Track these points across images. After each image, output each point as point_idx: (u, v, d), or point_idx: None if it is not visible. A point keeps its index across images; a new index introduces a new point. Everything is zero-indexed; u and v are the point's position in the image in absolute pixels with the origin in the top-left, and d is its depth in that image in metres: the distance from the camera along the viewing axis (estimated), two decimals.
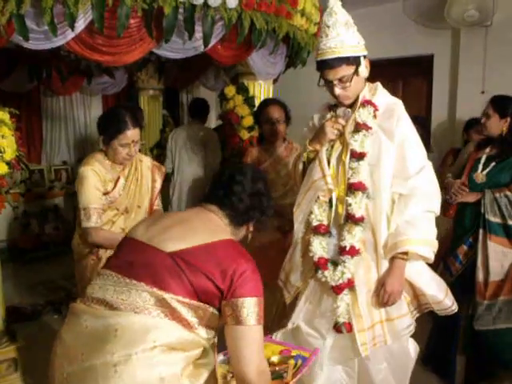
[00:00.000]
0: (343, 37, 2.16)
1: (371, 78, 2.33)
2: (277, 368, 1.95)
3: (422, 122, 4.80)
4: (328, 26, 2.19)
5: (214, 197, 1.86)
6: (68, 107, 6.35)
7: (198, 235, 1.68)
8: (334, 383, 2.36)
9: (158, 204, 3.01)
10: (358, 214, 2.21)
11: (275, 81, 4.37)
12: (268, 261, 3.15)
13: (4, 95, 5.65)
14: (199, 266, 1.60)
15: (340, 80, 2.20)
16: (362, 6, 5.55)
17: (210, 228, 1.74)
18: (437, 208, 2.26)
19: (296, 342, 2.38)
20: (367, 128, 2.24)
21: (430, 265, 2.34)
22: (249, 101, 4.12)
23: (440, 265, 3.17)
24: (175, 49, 3.15)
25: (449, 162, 4.43)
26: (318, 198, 2.33)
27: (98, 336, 1.55)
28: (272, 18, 3.26)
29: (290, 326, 2.43)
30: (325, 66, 2.20)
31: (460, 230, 3.16)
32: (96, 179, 2.70)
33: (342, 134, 2.31)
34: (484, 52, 4.84)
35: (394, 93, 2.42)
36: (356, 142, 2.24)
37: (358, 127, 2.25)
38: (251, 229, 1.93)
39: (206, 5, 2.89)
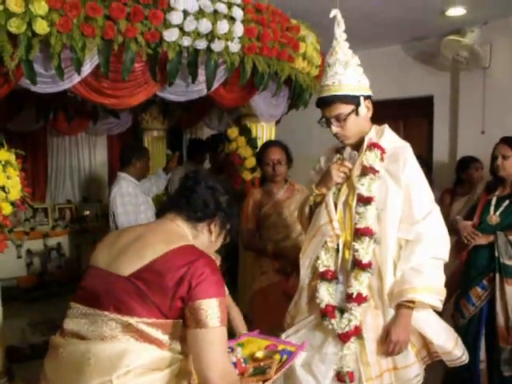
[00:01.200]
0: (341, 76, 2.19)
1: (373, 119, 2.37)
2: (261, 364, 1.90)
3: (424, 160, 4.87)
4: (329, 65, 2.24)
5: (170, 204, 1.88)
6: (73, 147, 6.43)
7: (154, 249, 1.64)
8: None
9: None
10: (365, 260, 2.17)
11: (278, 122, 4.44)
12: (269, 305, 3.19)
13: (11, 134, 5.74)
14: (157, 282, 1.57)
15: (337, 118, 2.21)
16: (362, 48, 5.67)
17: (166, 238, 1.70)
18: (445, 254, 2.21)
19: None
20: (374, 172, 2.20)
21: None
22: (251, 142, 4.17)
23: (448, 308, 3.13)
24: (179, 92, 3.22)
25: (447, 201, 4.41)
26: (326, 243, 2.29)
27: (74, 367, 1.56)
28: (274, 61, 3.34)
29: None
30: (321, 102, 2.25)
31: (473, 272, 3.11)
32: None
33: (348, 178, 2.28)
34: (483, 93, 4.91)
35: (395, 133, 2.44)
36: (363, 186, 2.20)
37: (365, 171, 2.22)
38: (215, 232, 1.83)
39: (209, 49, 2.98)
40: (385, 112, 5.75)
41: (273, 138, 4.30)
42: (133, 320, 1.56)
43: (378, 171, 2.21)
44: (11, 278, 5.98)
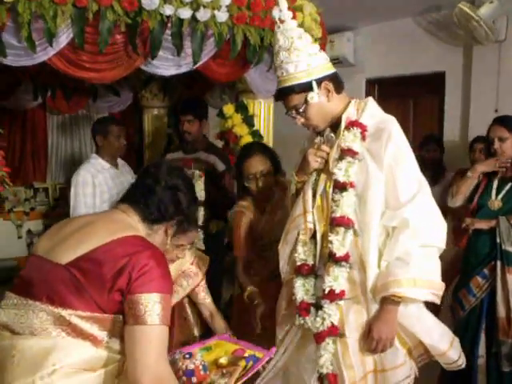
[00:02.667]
0: (286, 64, 1.99)
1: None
2: (224, 370, 1.75)
3: (437, 140, 4.61)
4: (275, 54, 2.06)
5: (126, 195, 1.73)
6: (74, 125, 6.28)
7: (97, 237, 1.52)
8: None
9: (205, 297, 2.54)
10: (339, 253, 1.95)
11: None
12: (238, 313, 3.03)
13: (8, 113, 5.63)
14: (95, 272, 1.45)
15: (296, 110, 2.02)
16: (371, 22, 5.43)
17: (112, 227, 1.57)
18: (437, 241, 1.96)
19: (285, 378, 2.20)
20: (353, 154, 1.97)
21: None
22: (248, 120, 3.97)
23: (446, 298, 2.93)
24: (165, 65, 3.03)
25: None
26: (298, 235, 2.10)
27: None
28: (267, 32, 3.12)
29: (279, 365, 2.22)
30: (277, 96, 2.10)
31: (473, 260, 2.92)
32: None
33: (327, 162, 2.08)
34: (497, 69, 4.63)
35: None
36: (340, 171, 1.98)
37: (343, 154, 1.99)
38: (171, 235, 1.70)
39: (194, 19, 2.78)
40: (393, 89, 5.58)
41: (271, 116, 4.09)
42: (65, 312, 1.43)
43: (357, 153, 1.98)
44: (11, 258, 5.91)
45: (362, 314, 2.01)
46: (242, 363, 1.77)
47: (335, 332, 1.98)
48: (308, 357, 2.10)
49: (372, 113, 2.06)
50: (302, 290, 2.09)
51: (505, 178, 2.92)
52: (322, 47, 3.79)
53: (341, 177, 1.98)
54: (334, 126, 2.10)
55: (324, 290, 1.99)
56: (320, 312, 2.00)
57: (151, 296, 1.43)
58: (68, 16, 2.51)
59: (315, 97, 1.99)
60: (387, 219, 1.95)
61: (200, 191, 3.53)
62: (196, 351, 1.87)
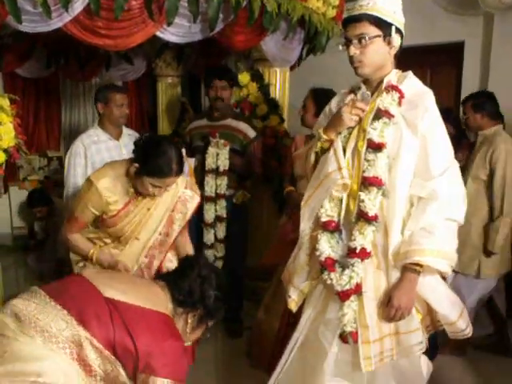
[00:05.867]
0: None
1: (398, 67, 2.11)
2: None
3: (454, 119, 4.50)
4: None
5: (166, 275, 1.93)
6: (87, 94, 6.26)
7: (139, 298, 1.65)
8: None
9: (184, 235, 2.72)
10: (371, 213, 1.97)
11: (293, 68, 4.17)
12: (275, 243, 3.35)
13: (22, 81, 5.62)
14: (129, 324, 1.55)
15: (359, 39, 1.96)
16: None
17: (152, 298, 1.71)
18: (460, 217, 2.00)
19: (303, 354, 2.22)
20: (389, 116, 1.97)
21: None
22: (263, 89, 3.93)
23: None
24: (180, 32, 3.00)
25: None
26: (331, 193, 2.08)
27: None
28: (284, 0, 3.06)
29: (296, 335, 2.24)
30: (347, 20, 2.03)
31: None
32: (98, 201, 2.40)
33: (360, 121, 2.06)
34: None
35: (421, 81, 2.20)
36: (375, 131, 1.97)
37: (379, 114, 1.99)
38: (191, 324, 1.81)
39: None
40: (411, 59, 5.42)
41: (287, 85, 4.05)
42: (84, 333, 1.50)
43: (393, 115, 1.98)
44: (25, 226, 5.99)
45: (379, 276, 2.04)
46: None
47: (359, 290, 2.01)
48: (328, 321, 2.11)
49: (411, 83, 2.06)
50: (327, 246, 2.09)
51: None
52: (339, 15, 3.73)
53: (376, 137, 1.98)
54: (370, 86, 2.09)
55: (354, 249, 2.00)
56: (347, 270, 2.01)
57: (164, 380, 1.54)
58: None
59: (394, 39, 1.99)
60: (416, 188, 1.97)
61: (224, 160, 3.53)
62: None
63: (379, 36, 1.96)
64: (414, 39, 5.22)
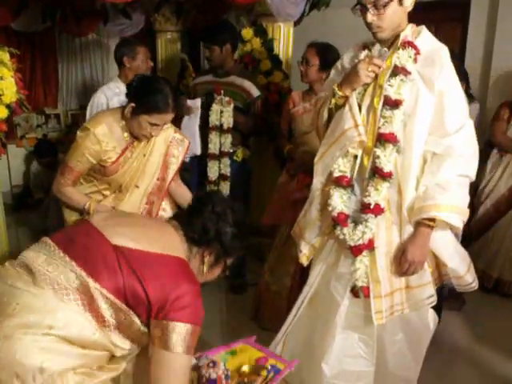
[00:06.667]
0: None
1: None
2: (245, 380, 1.85)
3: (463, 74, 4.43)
4: None
5: (178, 215, 1.84)
6: (84, 50, 6.14)
7: (150, 243, 1.58)
8: (349, 352, 2.18)
9: (179, 182, 2.78)
10: (386, 169, 1.98)
11: (297, 23, 4.09)
12: (276, 201, 3.39)
13: (17, 35, 5.48)
14: (138, 271, 1.50)
15: (375, 5, 1.92)
16: None
17: (164, 241, 1.63)
18: (473, 173, 2.03)
19: (313, 307, 2.25)
20: (406, 73, 1.97)
21: None
22: (267, 44, 3.87)
23: None
24: None
25: (505, 115, 3.97)
26: (347, 150, 2.08)
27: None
28: None
29: (306, 289, 2.28)
30: None
31: None
32: (94, 148, 2.39)
33: (376, 78, 2.04)
34: None
35: None
36: (392, 88, 1.97)
37: (396, 71, 1.98)
38: (208, 262, 1.73)
39: None
40: (414, 15, 5.35)
41: (290, 40, 3.98)
42: (93, 284, 1.47)
43: (410, 72, 1.96)
44: (23, 184, 5.96)
45: (392, 231, 2.06)
46: (264, 373, 1.85)
47: (372, 245, 2.04)
48: (339, 275, 2.14)
49: (426, 38, 2.03)
50: (340, 201, 2.10)
51: None
52: None
53: (392, 94, 1.97)
54: (386, 42, 2.05)
55: (368, 204, 2.02)
56: (360, 226, 2.03)
57: (185, 326, 1.48)
58: None
59: (409, 1, 1.95)
60: (432, 145, 1.98)
61: (228, 117, 3.50)
62: (220, 356, 1.96)
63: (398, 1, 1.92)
64: None
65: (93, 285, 1.46)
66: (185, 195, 2.71)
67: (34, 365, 1.37)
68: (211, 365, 1.82)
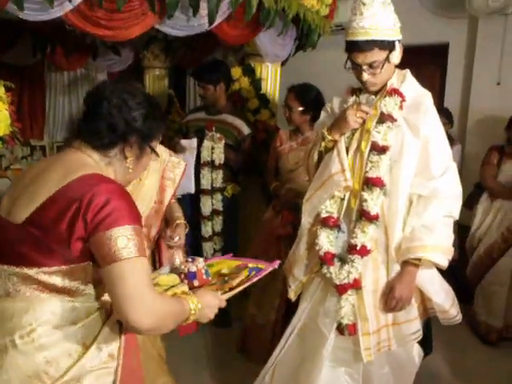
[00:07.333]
0: (379, 17, 1.98)
1: None
2: (226, 278, 1.73)
3: (447, 114, 4.57)
4: (364, 4, 2.00)
5: (77, 129, 1.55)
6: (72, 83, 6.20)
7: (50, 185, 1.39)
8: None
9: (173, 202, 2.75)
10: (373, 212, 2.06)
11: (284, 63, 4.22)
12: (261, 237, 3.44)
13: (7, 68, 5.53)
14: (51, 225, 1.34)
15: (370, 65, 2.03)
16: None
17: (65, 170, 1.43)
18: (457, 213, 2.12)
19: (301, 339, 2.30)
20: (392, 120, 2.07)
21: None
22: (255, 83, 3.98)
23: None
24: (179, 26, 3.02)
25: (494, 160, 3.95)
26: (333, 193, 2.17)
27: None
28: None
29: (295, 321, 2.33)
30: (355, 47, 2.03)
31: None
32: None
33: (363, 123, 2.14)
34: (502, 42, 4.65)
35: None
36: (379, 134, 2.07)
37: (383, 118, 2.08)
38: (132, 156, 1.54)
39: None
40: None
41: (278, 80, 4.10)
42: (31, 271, 1.38)
43: (396, 119, 2.06)
44: None
45: (378, 271, 2.13)
46: (245, 272, 1.74)
47: (357, 285, 2.11)
48: (327, 310, 2.20)
49: (410, 85, 2.14)
50: (327, 241, 2.17)
51: None
52: (331, 14, 3.80)
53: (380, 140, 2.07)
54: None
55: (355, 246, 2.09)
56: (347, 266, 2.10)
57: (119, 229, 1.32)
58: None
59: (397, 57, 2.06)
60: (418, 187, 2.07)
61: (219, 154, 3.59)
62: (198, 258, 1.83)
63: (388, 57, 2.03)
64: (402, 39, 5.35)
65: (31, 272, 1.39)
66: (174, 209, 2.70)
67: (40, 363, 1.37)
68: (190, 260, 1.75)
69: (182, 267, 1.72)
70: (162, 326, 1.39)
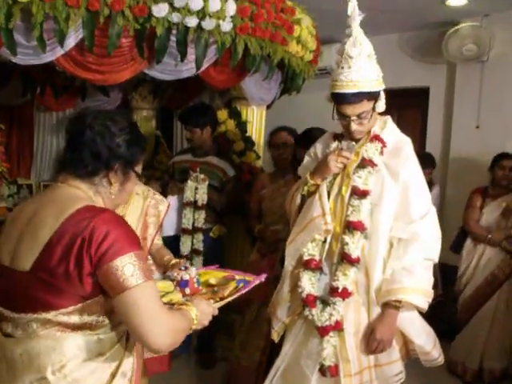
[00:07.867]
0: (365, 70, 2.05)
1: None
2: (215, 288, 1.78)
3: (430, 160, 4.64)
4: (351, 57, 2.05)
5: (61, 163, 1.57)
6: (61, 123, 6.24)
7: (47, 226, 1.41)
8: None
9: (158, 239, 2.77)
10: (354, 255, 2.10)
11: (269, 107, 4.33)
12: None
13: None
14: (58, 267, 1.36)
15: (358, 116, 2.09)
16: None
17: (57, 208, 1.44)
18: (436, 256, 2.17)
19: (285, 379, 2.31)
20: (373, 165, 2.13)
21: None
22: (241, 126, 4.07)
23: None
24: (167, 70, 3.12)
25: (477, 203, 3.95)
26: (314, 237, 2.21)
27: (6, 364, 1.45)
28: (267, 43, 3.23)
29: (279, 362, 2.34)
30: (344, 100, 2.07)
31: None
32: None
33: (344, 168, 2.20)
34: (479, 87, 4.83)
35: None
36: (360, 179, 2.13)
37: (364, 163, 2.14)
38: (117, 181, 1.55)
39: (199, 27, 2.86)
40: None
41: (263, 122, 4.20)
42: (50, 315, 1.41)
43: (376, 165, 2.13)
44: None
45: (359, 312, 2.16)
46: (233, 284, 1.79)
47: (339, 327, 2.13)
48: (309, 352, 2.21)
49: (391, 131, 2.22)
50: (309, 283, 2.20)
51: None
52: (315, 59, 3.93)
53: (360, 184, 2.13)
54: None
55: (336, 288, 2.13)
56: (329, 308, 2.13)
57: (123, 258, 1.35)
58: (79, 18, 2.57)
59: (382, 106, 2.13)
60: (398, 231, 2.12)
61: (203, 194, 3.64)
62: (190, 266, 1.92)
63: (374, 106, 2.11)
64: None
65: (50, 315, 1.41)
66: (163, 254, 2.69)
67: None
68: (183, 268, 1.81)
69: (175, 275, 1.78)
70: (177, 340, 1.44)
